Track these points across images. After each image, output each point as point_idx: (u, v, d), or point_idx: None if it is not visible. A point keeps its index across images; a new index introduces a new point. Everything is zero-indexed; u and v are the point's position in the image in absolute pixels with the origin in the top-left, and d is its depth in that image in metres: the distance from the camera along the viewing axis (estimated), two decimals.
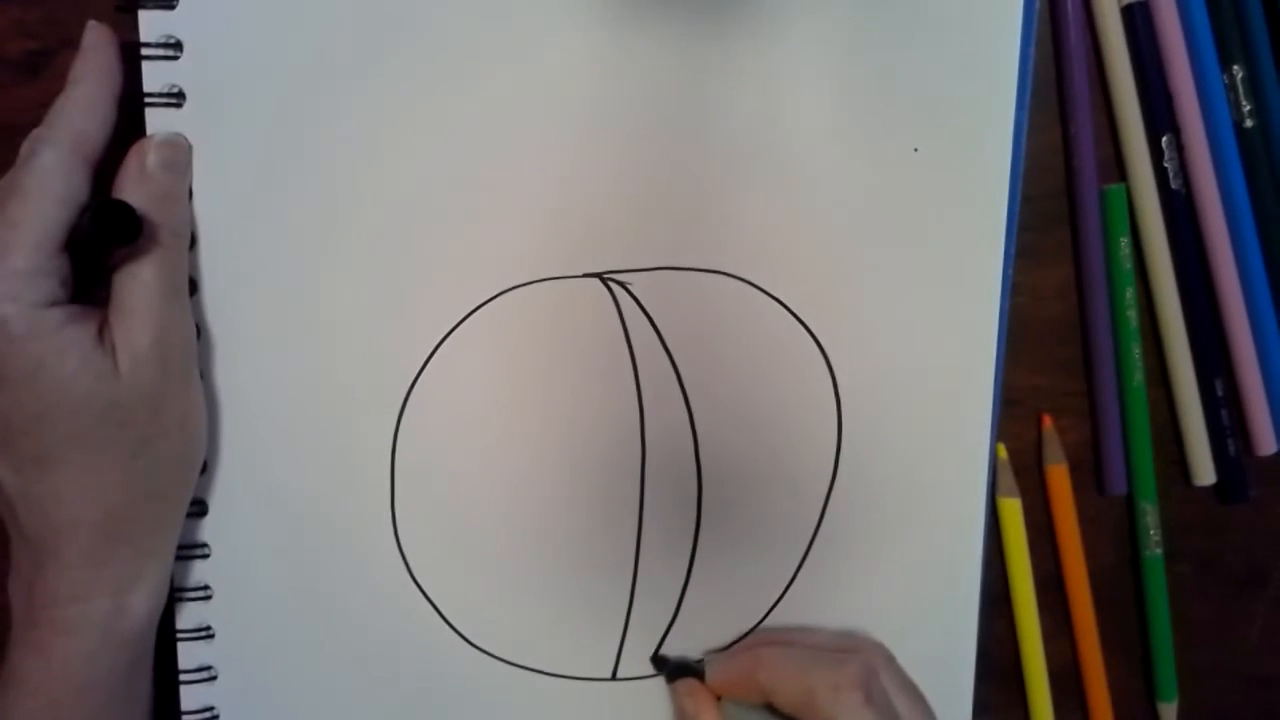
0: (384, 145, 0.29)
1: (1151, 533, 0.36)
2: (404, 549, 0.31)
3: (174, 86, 0.28)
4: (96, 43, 0.27)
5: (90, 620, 0.26)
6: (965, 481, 0.33)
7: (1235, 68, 0.34)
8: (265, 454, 0.30)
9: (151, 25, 0.28)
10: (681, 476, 0.32)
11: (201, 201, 0.29)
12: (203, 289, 0.29)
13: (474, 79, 0.29)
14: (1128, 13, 0.33)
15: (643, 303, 0.31)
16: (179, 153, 0.28)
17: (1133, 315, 0.35)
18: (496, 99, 0.29)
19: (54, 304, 0.25)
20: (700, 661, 0.32)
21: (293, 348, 0.30)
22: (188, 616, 0.30)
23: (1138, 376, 0.35)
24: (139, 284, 0.26)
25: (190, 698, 0.31)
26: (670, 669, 0.32)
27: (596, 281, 0.31)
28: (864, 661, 0.29)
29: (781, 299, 0.32)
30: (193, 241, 0.28)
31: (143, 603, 0.27)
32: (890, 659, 0.31)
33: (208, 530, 0.30)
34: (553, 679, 0.32)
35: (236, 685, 0.31)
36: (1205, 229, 0.34)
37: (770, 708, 0.30)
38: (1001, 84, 0.31)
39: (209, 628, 0.31)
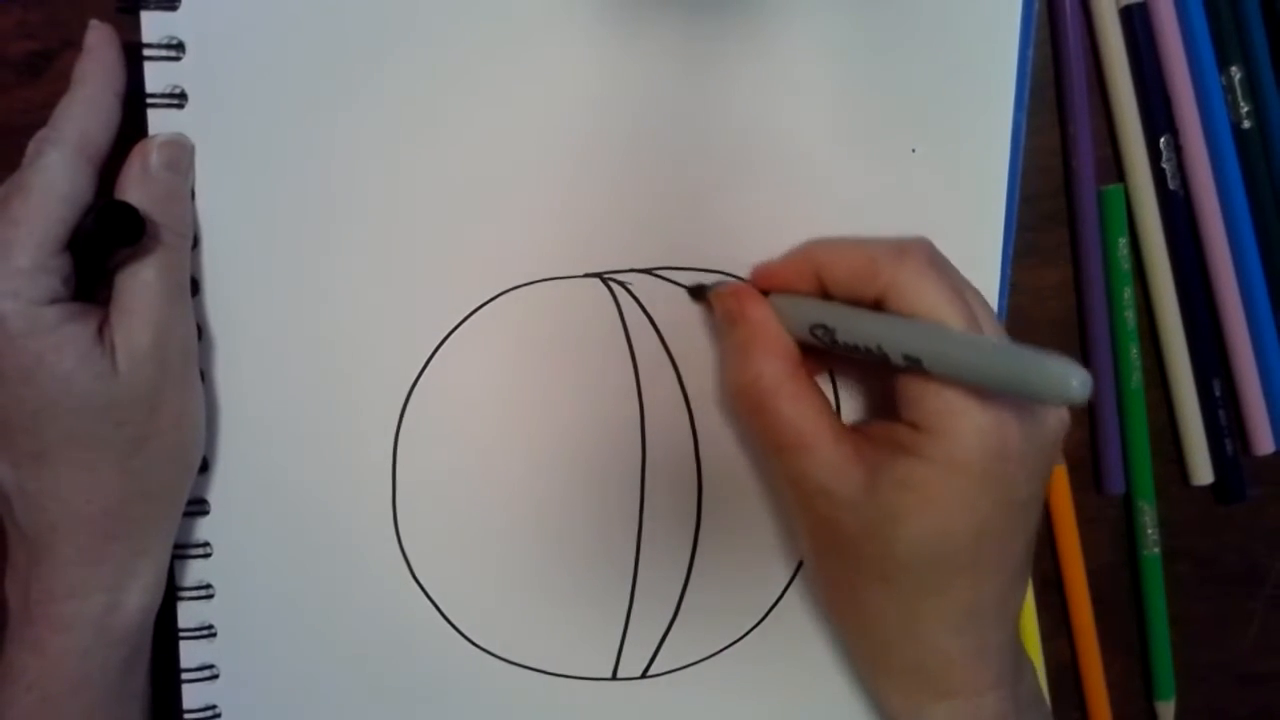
0: (385, 145, 0.29)
1: (1149, 532, 0.36)
2: (405, 548, 0.31)
3: (176, 87, 0.28)
4: (99, 43, 0.27)
5: (86, 617, 0.26)
6: None
7: (1233, 69, 0.34)
8: (267, 453, 0.30)
9: (154, 26, 0.28)
10: (681, 476, 0.32)
11: (204, 201, 0.29)
12: (205, 289, 0.29)
13: (475, 79, 0.29)
14: (1126, 14, 0.33)
15: (643, 303, 0.31)
16: (181, 153, 0.28)
17: (1131, 315, 0.35)
18: (498, 99, 0.30)
19: (54, 302, 0.25)
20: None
21: (295, 347, 0.30)
22: (189, 615, 0.30)
23: (1136, 377, 0.35)
24: (141, 284, 0.26)
25: (192, 696, 0.31)
26: (710, 285, 0.30)
27: (597, 281, 0.31)
28: (925, 240, 0.27)
29: None
30: (195, 241, 0.29)
31: (138, 600, 0.27)
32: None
33: (209, 529, 0.30)
34: (553, 678, 0.32)
35: (238, 684, 0.31)
36: (1203, 230, 0.34)
37: (821, 297, 0.27)
38: (1000, 85, 0.31)
39: (210, 626, 0.31)
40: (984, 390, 0.25)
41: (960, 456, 0.25)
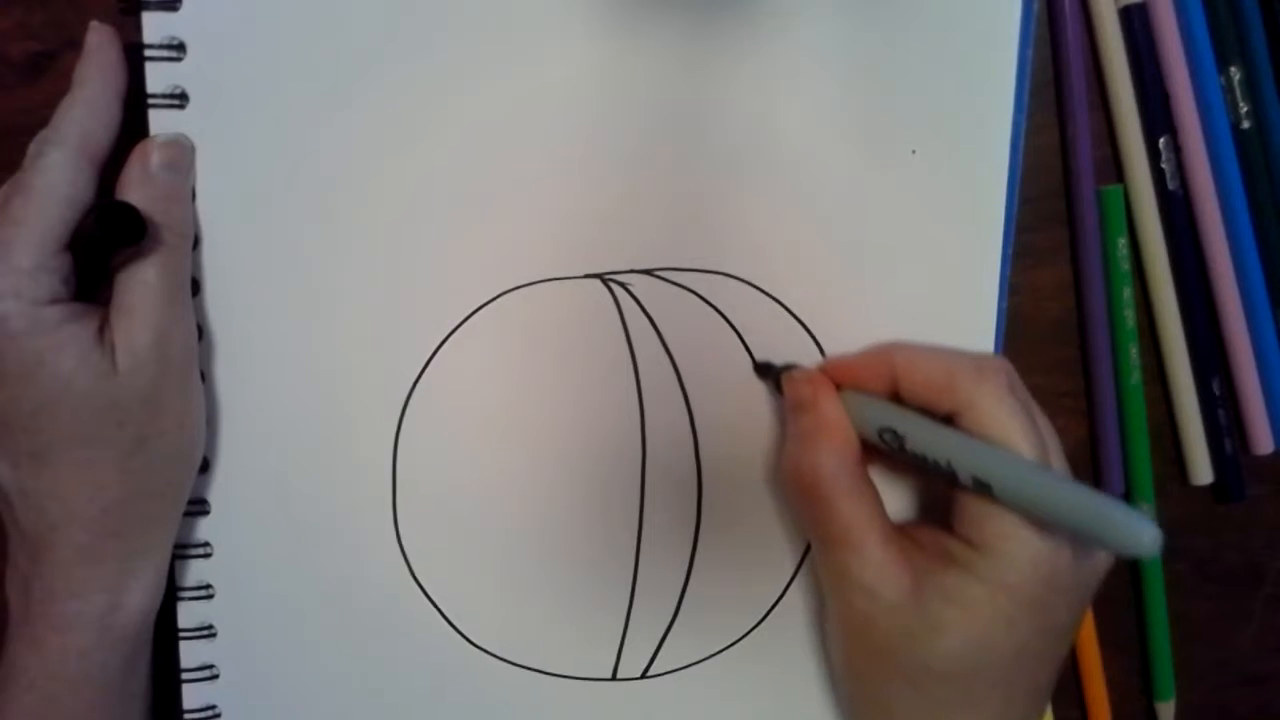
0: (386, 146, 0.29)
1: None
2: (405, 548, 0.31)
3: (177, 87, 0.28)
4: (100, 44, 0.27)
5: (86, 617, 0.26)
6: None
7: (1232, 69, 0.34)
8: (267, 453, 0.30)
9: (155, 26, 0.28)
10: (682, 477, 0.32)
11: (204, 202, 0.29)
12: (205, 289, 0.29)
13: (476, 80, 0.29)
14: (1125, 14, 0.33)
15: (643, 303, 0.31)
16: (182, 153, 0.28)
17: (1130, 315, 0.35)
18: (498, 99, 0.30)
19: (55, 301, 0.25)
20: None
21: (295, 348, 0.30)
22: (189, 615, 0.30)
23: (1135, 376, 0.35)
24: (141, 284, 0.26)
25: (192, 696, 0.31)
26: (778, 370, 0.30)
27: (597, 282, 0.31)
28: (1004, 361, 0.28)
29: (781, 300, 0.32)
30: (196, 242, 0.29)
31: (138, 600, 0.27)
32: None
33: (210, 529, 0.30)
34: (553, 679, 0.32)
35: (238, 684, 0.31)
36: (1202, 229, 0.34)
37: (892, 400, 0.28)
38: (999, 85, 0.31)
39: (211, 626, 0.31)
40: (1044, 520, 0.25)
41: (1011, 580, 0.25)
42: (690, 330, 0.31)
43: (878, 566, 0.27)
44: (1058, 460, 0.27)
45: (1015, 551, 0.25)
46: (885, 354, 0.28)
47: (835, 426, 0.28)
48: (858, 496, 0.27)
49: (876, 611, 0.27)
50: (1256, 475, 0.36)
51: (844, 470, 0.28)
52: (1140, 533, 0.22)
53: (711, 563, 0.32)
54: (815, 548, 0.29)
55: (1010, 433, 0.26)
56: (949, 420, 0.27)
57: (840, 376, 0.29)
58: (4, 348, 0.25)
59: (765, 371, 0.31)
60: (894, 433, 0.27)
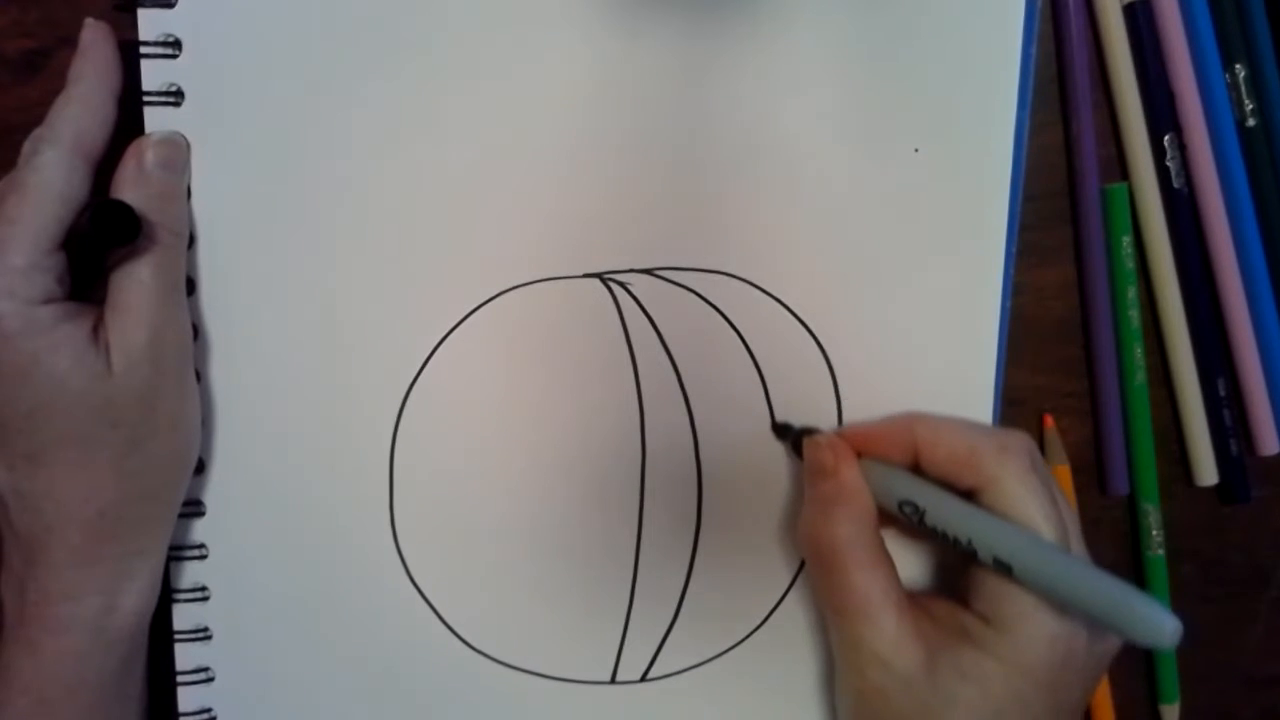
0: (384, 144, 0.29)
1: (1154, 534, 0.36)
2: (402, 550, 0.31)
3: (173, 85, 0.28)
4: (95, 41, 0.27)
5: (81, 619, 0.26)
6: None
7: (1238, 66, 0.34)
8: (263, 454, 0.30)
9: (150, 24, 0.28)
10: (682, 477, 0.32)
11: (200, 200, 0.28)
12: (201, 288, 0.29)
13: (475, 79, 0.29)
14: (1129, 11, 0.33)
15: (643, 303, 0.31)
16: (177, 151, 0.28)
17: (1135, 315, 0.34)
18: (497, 98, 0.29)
19: (49, 301, 0.25)
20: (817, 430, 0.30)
21: (292, 348, 0.30)
22: (185, 617, 0.30)
23: (1140, 376, 0.35)
24: (136, 283, 0.26)
25: (187, 699, 0.31)
26: (795, 433, 0.30)
27: (597, 281, 0.31)
28: (1026, 437, 0.28)
29: (782, 299, 0.31)
30: (191, 240, 0.28)
31: (134, 602, 0.27)
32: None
33: (205, 531, 0.30)
34: (551, 682, 0.32)
35: (234, 686, 0.31)
36: (1207, 228, 0.34)
37: (912, 471, 0.28)
38: (1003, 83, 0.31)
39: (206, 629, 0.30)
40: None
41: (1027, 660, 0.26)
42: (690, 330, 0.31)
43: (892, 640, 0.27)
44: (1077, 541, 0.27)
45: (1032, 631, 0.26)
46: (907, 424, 0.29)
47: (854, 495, 0.28)
48: (874, 568, 0.27)
49: (890, 684, 0.27)
50: (1262, 477, 0.36)
51: (861, 541, 0.28)
52: (1162, 624, 0.23)
53: (712, 565, 0.32)
54: (828, 616, 0.29)
55: (1032, 513, 0.26)
56: (969, 496, 0.27)
57: (860, 444, 0.29)
58: None
59: (783, 433, 0.31)
60: (914, 506, 0.27)
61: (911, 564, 0.31)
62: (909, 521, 0.28)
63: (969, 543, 0.26)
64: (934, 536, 0.27)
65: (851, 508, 0.28)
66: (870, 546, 0.28)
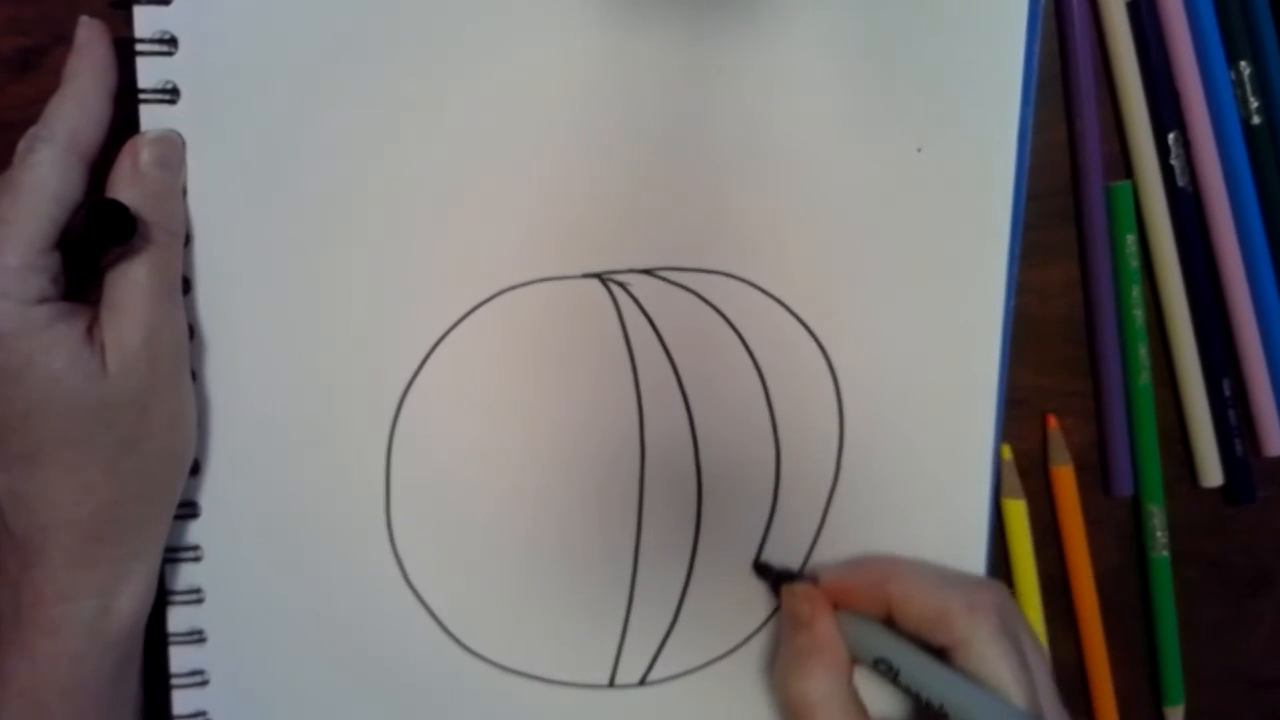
0: (381, 143, 0.29)
1: (1158, 534, 0.36)
2: (399, 552, 0.31)
3: (169, 83, 0.28)
4: (90, 39, 0.27)
5: (76, 621, 0.26)
6: (969, 483, 0.33)
7: (1242, 64, 0.34)
8: (259, 455, 0.30)
9: (146, 21, 0.27)
10: (681, 479, 0.31)
11: (196, 199, 0.28)
12: (197, 288, 0.29)
13: (473, 77, 0.29)
14: (1133, 8, 0.33)
15: (642, 303, 0.31)
16: (173, 150, 0.28)
17: (1139, 314, 0.34)
18: (496, 97, 0.29)
19: (44, 301, 0.25)
20: (805, 574, 0.31)
21: (288, 347, 0.29)
22: (179, 620, 0.30)
23: (1144, 376, 0.35)
24: (131, 283, 0.26)
25: (182, 702, 0.30)
26: (775, 575, 0.31)
27: (596, 282, 0.31)
28: (999, 592, 0.29)
29: (783, 300, 0.31)
30: (187, 240, 0.28)
31: (129, 604, 0.27)
32: (1017, 603, 0.30)
33: (200, 532, 0.30)
34: (550, 685, 0.32)
35: (228, 690, 0.31)
36: (1212, 226, 0.34)
37: (886, 623, 0.29)
38: (1006, 82, 0.31)
39: (201, 631, 0.30)
40: None
41: None
42: (690, 331, 0.31)
43: None
44: (1048, 696, 0.28)
45: None
46: (881, 579, 0.29)
47: (829, 649, 0.29)
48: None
49: None
50: (1267, 477, 0.36)
51: (835, 696, 0.28)
52: None
53: (712, 567, 0.32)
54: None
55: (1003, 678, 0.27)
56: (942, 654, 0.28)
57: (837, 596, 0.30)
58: None
59: (764, 572, 0.32)
60: (888, 664, 0.28)
61: (887, 710, 0.31)
62: (883, 676, 0.28)
63: (941, 707, 0.27)
64: (908, 694, 0.28)
65: (826, 661, 0.29)
66: (844, 700, 0.28)
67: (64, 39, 0.27)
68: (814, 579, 0.30)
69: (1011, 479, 0.35)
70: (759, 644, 0.33)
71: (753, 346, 0.31)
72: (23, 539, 0.26)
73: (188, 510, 0.30)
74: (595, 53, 0.29)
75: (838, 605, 0.30)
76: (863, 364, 0.32)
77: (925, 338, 0.32)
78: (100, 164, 0.27)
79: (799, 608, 0.30)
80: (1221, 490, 0.36)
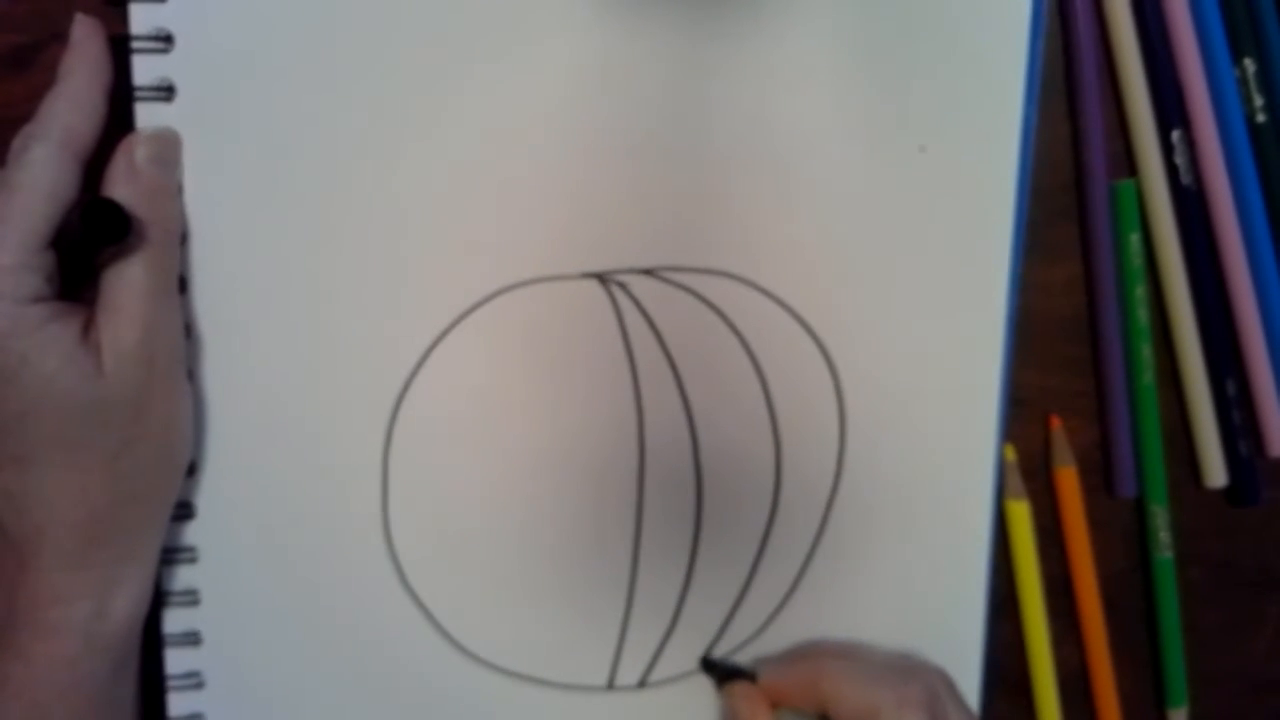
0: (378, 142, 0.29)
1: (1162, 536, 0.35)
2: (396, 554, 0.31)
3: (164, 80, 0.28)
4: (85, 36, 0.27)
5: (72, 623, 0.26)
6: (972, 484, 0.33)
7: (1247, 61, 0.33)
8: (255, 456, 0.30)
9: (141, 18, 0.27)
10: (680, 480, 0.31)
11: (192, 197, 0.28)
12: (193, 287, 0.29)
13: (471, 77, 0.29)
14: (1137, 5, 0.33)
15: (641, 304, 0.31)
16: (168, 147, 0.28)
17: (1143, 313, 0.34)
18: (494, 96, 0.29)
19: (38, 300, 0.25)
20: (748, 669, 0.32)
21: (285, 347, 0.29)
22: (175, 621, 0.30)
23: (1148, 376, 0.34)
24: (127, 282, 0.26)
25: (178, 704, 0.30)
26: (720, 672, 0.32)
27: (595, 282, 0.30)
28: (928, 682, 0.29)
29: (783, 300, 0.31)
30: (183, 238, 0.28)
31: (125, 606, 0.27)
32: (951, 684, 0.30)
33: (196, 533, 0.30)
34: (547, 688, 0.32)
35: (224, 692, 0.30)
36: (1217, 225, 0.34)
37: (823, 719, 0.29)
38: (1009, 79, 0.31)
39: (196, 633, 0.30)
40: None
41: None
42: (690, 331, 0.31)
43: None
44: None
45: None
46: (815, 676, 0.30)
47: None
48: None
49: None
50: (1272, 478, 0.36)
51: None
52: None
53: (710, 569, 0.32)
54: None
55: None
56: None
57: (774, 695, 0.31)
58: None
59: (710, 668, 0.32)
60: None
61: None
62: None
63: None
64: None
65: None
66: None
67: (59, 36, 0.27)
68: (753, 676, 0.31)
69: (1014, 480, 0.34)
70: (760, 646, 0.33)
71: (753, 347, 0.31)
72: (18, 541, 0.26)
73: (183, 511, 0.30)
74: (595, 52, 0.29)
75: (776, 703, 0.31)
76: (864, 364, 0.32)
77: (927, 338, 0.32)
78: (95, 162, 0.27)
79: (738, 707, 0.31)
80: (1226, 491, 0.36)
